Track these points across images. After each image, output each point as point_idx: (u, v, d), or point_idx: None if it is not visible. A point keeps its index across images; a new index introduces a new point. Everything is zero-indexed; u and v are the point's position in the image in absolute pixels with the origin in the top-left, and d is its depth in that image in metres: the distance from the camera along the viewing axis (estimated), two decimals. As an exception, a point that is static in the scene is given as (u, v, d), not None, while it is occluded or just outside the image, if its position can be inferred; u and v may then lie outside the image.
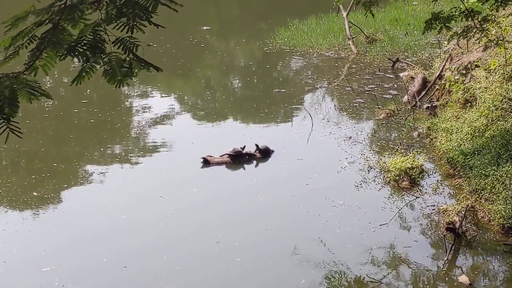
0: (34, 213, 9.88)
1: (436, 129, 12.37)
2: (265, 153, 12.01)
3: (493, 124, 11.16)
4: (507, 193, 9.34)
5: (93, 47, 4.95)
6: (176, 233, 9.18)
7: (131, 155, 12.26)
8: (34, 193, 10.49)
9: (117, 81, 5.06)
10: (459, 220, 8.97)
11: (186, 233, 9.18)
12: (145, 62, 5.17)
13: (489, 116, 11.38)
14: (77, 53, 4.96)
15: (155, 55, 18.82)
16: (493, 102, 11.58)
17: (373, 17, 10.78)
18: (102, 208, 9.98)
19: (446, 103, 13.51)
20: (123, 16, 5.07)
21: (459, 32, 10.19)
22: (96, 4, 5.13)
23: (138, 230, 9.29)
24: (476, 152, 10.62)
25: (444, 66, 14.97)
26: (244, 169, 11.67)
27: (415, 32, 19.97)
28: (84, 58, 5.00)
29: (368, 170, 11.15)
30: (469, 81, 12.99)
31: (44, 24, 5.13)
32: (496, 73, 12.33)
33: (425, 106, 14.09)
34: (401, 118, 13.68)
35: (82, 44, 4.97)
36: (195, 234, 9.15)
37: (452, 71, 13.80)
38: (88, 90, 16.07)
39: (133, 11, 5.04)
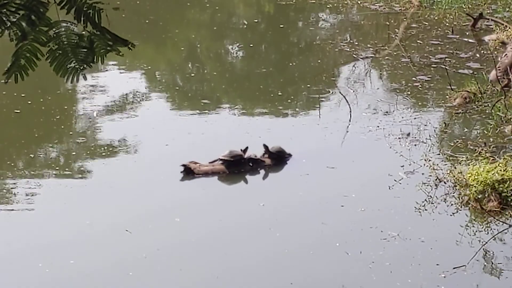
0: None
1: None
2: (278, 159, 12.03)
3: None
4: None
5: (30, 12, 4.75)
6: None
7: (76, 162, 12.19)
8: None
9: (70, 71, 4.85)
10: None
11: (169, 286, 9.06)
12: (114, 37, 4.98)
13: None
14: (6, 25, 4.74)
15: (110, 9, 18.70)
16: None
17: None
18: (24, 257, 9.67)
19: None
20: None
21: None
22: None
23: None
24: None
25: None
26: (247, 183, 11.72)
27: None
28: (20, 34, 4.80)
29: (436, 185, 11.19)
30: None
31: None
32: None
33: (523, 86, 14.10)
34: (486, 104, 13.68)
35: (12, 7, 4.76)
36: None
37: None
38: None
39: None
